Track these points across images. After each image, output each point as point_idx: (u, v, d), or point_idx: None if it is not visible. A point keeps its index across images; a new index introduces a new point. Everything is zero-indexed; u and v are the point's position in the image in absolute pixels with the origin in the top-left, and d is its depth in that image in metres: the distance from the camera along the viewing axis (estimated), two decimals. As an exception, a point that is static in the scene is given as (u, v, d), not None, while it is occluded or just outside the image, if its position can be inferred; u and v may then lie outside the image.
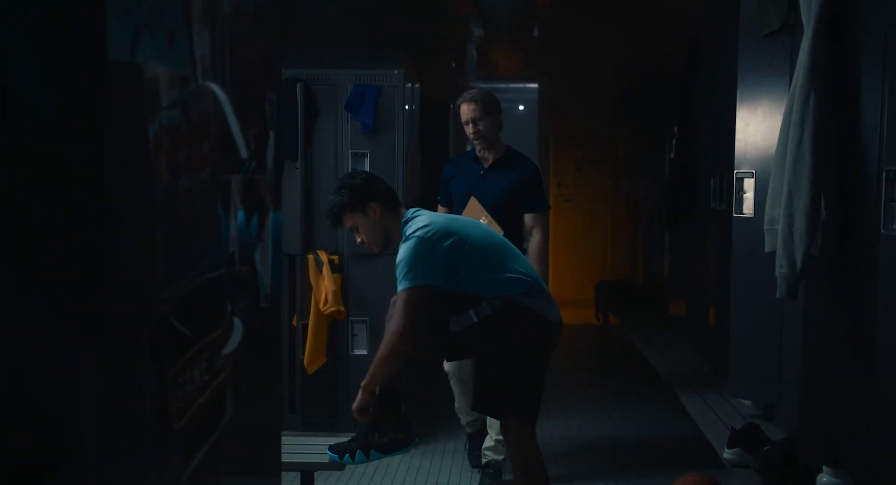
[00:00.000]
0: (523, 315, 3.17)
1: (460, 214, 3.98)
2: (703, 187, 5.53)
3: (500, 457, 4.09)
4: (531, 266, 3.38)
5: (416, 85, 5.00)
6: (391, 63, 4.68)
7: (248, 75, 2.51)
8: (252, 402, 2.48)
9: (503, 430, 3.37)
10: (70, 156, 1.44)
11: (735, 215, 4.23)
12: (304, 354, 4.54)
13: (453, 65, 8.34)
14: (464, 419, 4.36)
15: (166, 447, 1.79)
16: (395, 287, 3.21)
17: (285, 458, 2.93)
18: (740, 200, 4.20)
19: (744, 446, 3.57)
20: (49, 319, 1.41)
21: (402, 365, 3.23)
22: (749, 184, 4.17)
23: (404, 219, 3.25)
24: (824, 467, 3.03)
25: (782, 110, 3.89)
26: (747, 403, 4.39)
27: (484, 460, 4.18)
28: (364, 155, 4.57)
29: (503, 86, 15.06)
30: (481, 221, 3.77)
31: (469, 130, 4.12)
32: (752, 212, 4.12)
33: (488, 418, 4.01)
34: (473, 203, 4.03)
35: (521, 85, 14.02)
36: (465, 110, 4.11)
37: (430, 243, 3.10)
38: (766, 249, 3.49)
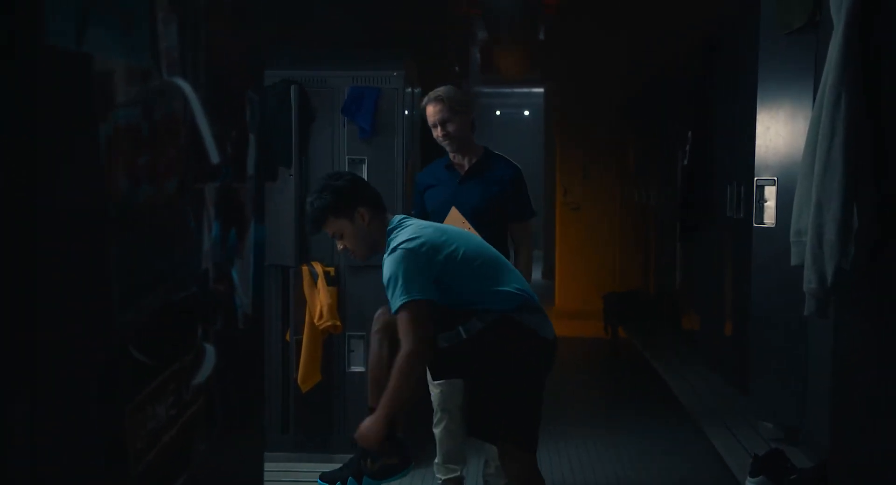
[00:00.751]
0: (517, 332, 2.97)
1: None
2: (718, 195, 5.34)
3: (503, 482, 3.82)
4: (525, 280, 3.15)
5: (418, 90, 4.78)
6: (391, 64, 4.48)
7: (226, 73, 2.28)
8: (229, 436, 2.24)
9: (502, 462, 3.12)
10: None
11: (755, 225, 4.05)
12: (297, 371, 4.34)
13: (456, 68, 8.14)
14: (442, 476, 3.90)
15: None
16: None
17: (272, 489, 2.69)
18: (761, 209, 4.03)
19: (768, 475, 3.35)
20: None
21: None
22: (770, 192, 4.00)
23: (390, 226, 3.03)
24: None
25: (806, 113, 3.72)
26: (769, 424, 4.16)
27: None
28: (362, 161, 4.37)
29: (508, 90, 14.94)
30: None
31: (438, 133, 3.71)
32: (773, 222, 3.96)
33: (486, 445, 3.71)
34: (454, 214, 3.69)
35: (526, 90, 13.87)
36: (431, 112, 3.70)
37: (419, 256, 2.89)
38: (793, 263, 3.29)
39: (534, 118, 15.59)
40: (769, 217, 3.98)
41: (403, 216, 3.11)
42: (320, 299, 4.30)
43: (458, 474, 3.89)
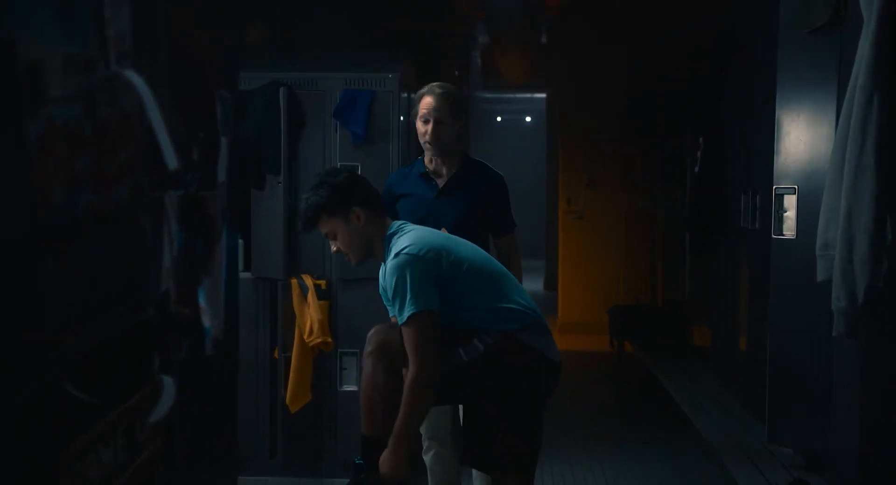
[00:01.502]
0: (521, 354, 2.78)
1: None
2: (731, 204, 5.12)
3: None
4: (531, 298, 2.91)
5: (414, 94, 4.57)
6: (386, 66, 4.37)
7: (193, 67, 2.03)
8: (196, 477, 1.98)
9: None
10: None
11: (774, 237, 3.84)
12: (286, 391, 4.19)
13: (456, 72, 7.92)
14: None
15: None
16: (388, 318, 2.94)
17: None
18: (780, 220, 3.84)
19: (792, 508, 3.08)
20: None
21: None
22: (790, 201, 3.80)
23: (390, 231, 2.85)
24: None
25: (829, 116, 3.51)
26: (787, 449, 3.92)
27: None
28: (355, 168, 4.17)
29: (509, 95, 14.74)
30: None
31: (425, 129, 3.32)
32: (793, 233, 3.78)
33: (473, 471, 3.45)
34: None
35: (528, 95, 13.67)
36: (427, 103, 3.31)
37: (425, 262, 2.71)
38: (819, 278, 3.08)
39: (536, 124, 15.42)
40: (789, 228, 3.78)
41: (403, 222, 2.93)
42: (310, 314, 4.16)
43: None
